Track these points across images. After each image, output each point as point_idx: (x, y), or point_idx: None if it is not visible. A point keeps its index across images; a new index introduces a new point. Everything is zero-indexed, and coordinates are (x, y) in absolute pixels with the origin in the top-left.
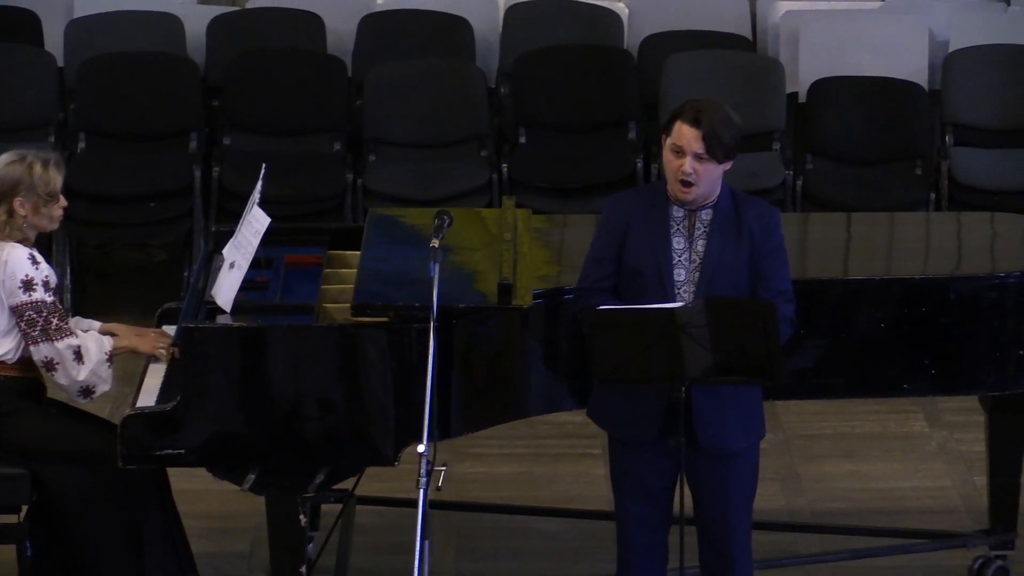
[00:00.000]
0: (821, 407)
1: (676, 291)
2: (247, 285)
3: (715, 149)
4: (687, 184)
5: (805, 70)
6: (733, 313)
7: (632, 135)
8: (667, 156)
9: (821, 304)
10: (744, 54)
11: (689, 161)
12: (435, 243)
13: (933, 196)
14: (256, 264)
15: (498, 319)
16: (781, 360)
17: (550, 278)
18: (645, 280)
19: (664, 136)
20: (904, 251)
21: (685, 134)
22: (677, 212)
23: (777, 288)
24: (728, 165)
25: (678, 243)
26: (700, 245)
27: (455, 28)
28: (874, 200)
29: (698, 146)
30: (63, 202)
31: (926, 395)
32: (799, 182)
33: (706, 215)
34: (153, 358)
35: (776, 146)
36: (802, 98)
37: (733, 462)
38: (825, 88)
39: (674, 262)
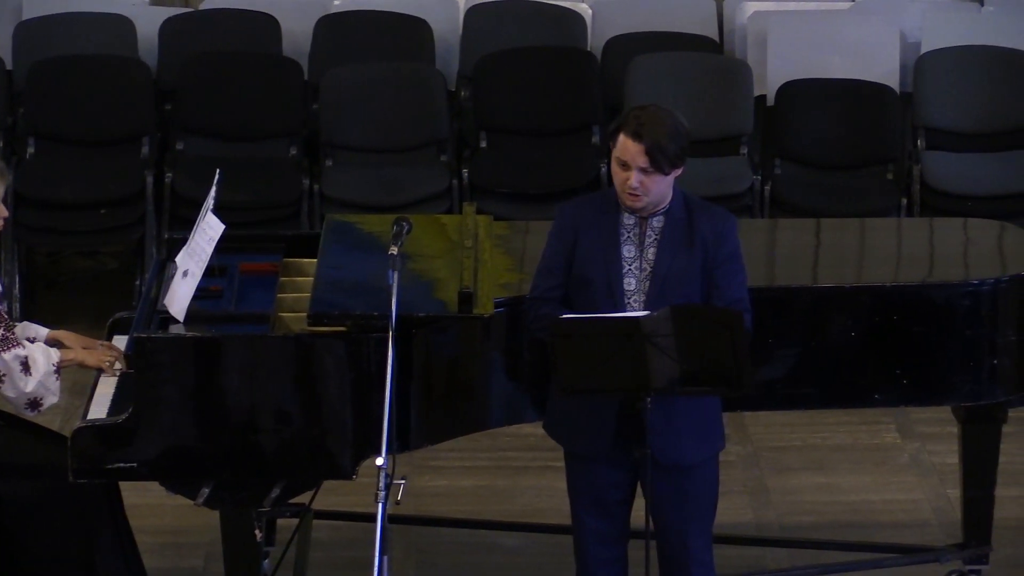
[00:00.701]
0: (790, 418)
1: (626, 300)
2: (201, 294)
3: (660, 162)
4: (635, 195)
5: (773, 72)
6: (700, 322)
7: (596, 139)
8: (614, 167)
9: (790, 312)
10: (711, 56)
11: (635, 175)
12: (394, 250)
13: (905, 201)
14: (210, 272)
15: (458, 328)
16: (749, 370)
17: (512, 286)
18: (594, 289)
19: (610, 145)
20: (875, 258)
21: (629, 148)
22: (628, 219)
23: (731, 297)
24: (678, 172)
25: (628, 251)
26: (651, 253)
27: (414, 30)
28: (844, 206)
29: (642, 160)
30: (3, 212)
31: (898, 405)
32: (767, 187)
33: (657, 222)
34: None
35: (744, 150)
36: (770, 101)
37: (690, 475)
38: (794, 91)
39: (624, 271)
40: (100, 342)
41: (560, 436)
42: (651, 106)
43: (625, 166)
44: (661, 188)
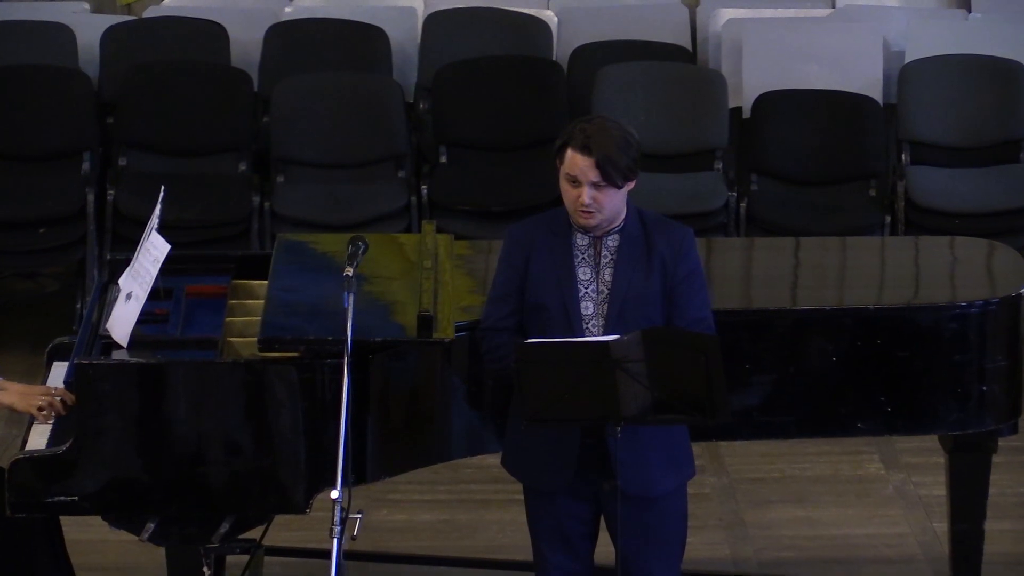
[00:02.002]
0: (768, 448)
1: (584, 326)
2: (145, 318)
3: (611, 175)
4: (588, 212)
5: (749, 83)
6: (672, 346)
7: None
8: (564, 185)
9: (768, 337)
10: (683, 66)
11: (587, 191)
12: (349, 271)
13: (888, 219)
14: (155, 295)
15: (418, 354)
16: (725, 397)
17: (474, 309)
18: (549, 315)
19: (557, 162)
20: (857, 279)
21: (578, 163)
22: (581, 240)
23: (692, 317)
24: (630, 186)
25: (584, 273)
26: (607, 274)
27: (370, 39)
28: (824, 223)
29: (593, 175)
30: None
31: (882, 435)
32: (743, 204)
33: (612, 241)
34: None
35: (718, 165)
36: (746, 113)
37: (656, 506)
38: (771, 102)
39: (580, 294)
40: (41, 387)
41: (519, 471)
42: (597, 118)
43: (575, 182)
44: (615, 203)
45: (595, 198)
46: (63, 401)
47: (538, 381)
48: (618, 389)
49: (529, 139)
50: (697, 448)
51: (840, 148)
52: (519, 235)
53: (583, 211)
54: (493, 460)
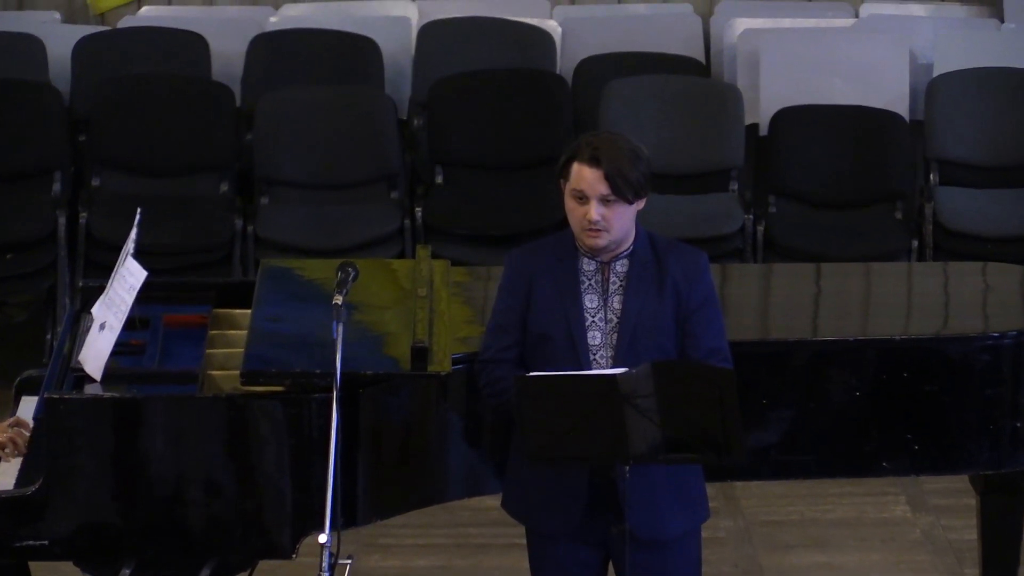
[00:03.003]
0: (787, 489)
1: (592, 356)
2: (120, 349)
3: (622, 188)
4: (596, 231)
5: (767, 98)
6: (685, 380)
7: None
8: (569, 204)
9: (787, 369)
10: (696, 79)
11: (595, 207)
12: (338, 300)
13: (916, 243)
14: (131, 325)
15: (412, 388)
16: (741, 435)
17: (472, 340)
18: (554, 346)
19: (562, 181)
20: (882, 307)
21: (585, 177)
22: (588, 265)
23: (708, 347)
24: (641, 204)
25: (591, 301)
26: (616, 302)
27: (361, 50)
28: (847, 248)
29: (603, 187)
30: None
31: (909, 475)
32: (760, 228)
33: (621, 266)
34: None
35: (733, 186)
36: (763, 130)
37: (669, 551)
38: (790, 118)
39: (587, 323)
40: (7, 422)
41: (521, 513)
42: (603, 132)
43: (582, 198)
44: (624, 222)
45: (604, 215)
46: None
47: (539, 417)
48: (626, 426)
49: (531, 158)
50: (711, 489)
51: (864, 167)
52: (521, 261)
53: (591, 230)
54: (493, 502)
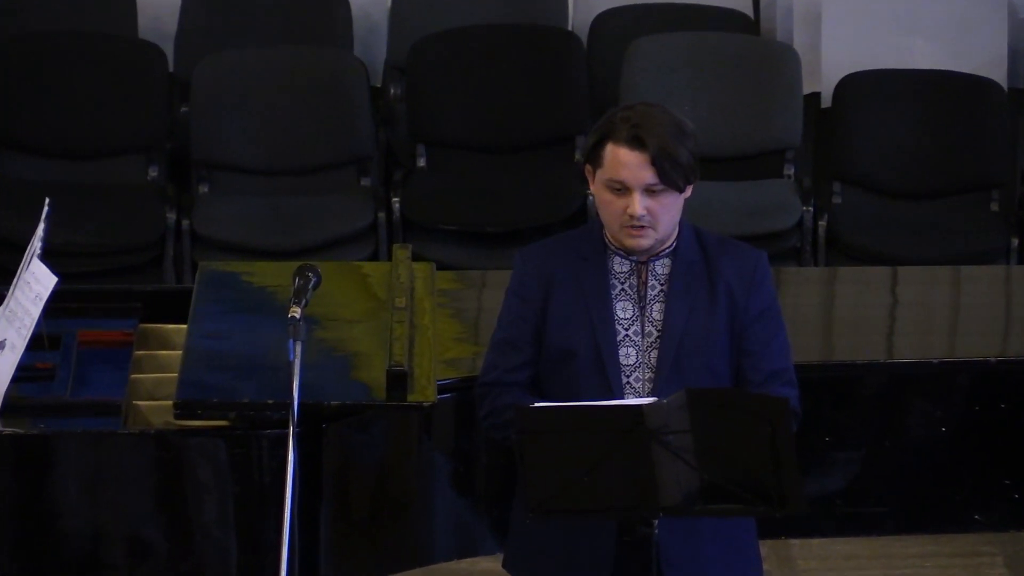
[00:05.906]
0: (856, 548)
1: (624, 379)
2: (25, 373)
3: (672, 175)
4: (639, 228)
5: (830, 62)
6: (728, 412)
7: (580, 155)
8: (604, 196)
9: (855, 399)
10: (743, 38)
11: (639, 199)
12: (295, 313)
13: (1016, 242)
14: (37, 343)
15: (388, 423)
16: (798, 481)
17: (463, 363)
18: (577, 365)
19: (590, 167)
20: (975, 322)
21: (626, 162)
22: (620, 266)
23: (770, 369)
24: (688, 192)
25: (624, 310)
26: (656, 311)
27: (324, 4)
28: (930, 248)
29: (648, 175)
30: None
31: (1007, 530)
32: (822, 223)
33: (662, 268)
34: None
35: (789, 170)
36: (826, 102)
37: None
38: (859, 87)
39: (619, 337)
40: None
41: (528, 575)
42: (638, 104)
43: (622, 189)
44: (673, 215)
45: (649, 208)
46: None
47: (545, 459)
48: (655, 470)
49: (535, 136)
50: (763, 548)
51: (951, 148)
52: (536, 260)
53: (633, 228)
54: (488, 564)
